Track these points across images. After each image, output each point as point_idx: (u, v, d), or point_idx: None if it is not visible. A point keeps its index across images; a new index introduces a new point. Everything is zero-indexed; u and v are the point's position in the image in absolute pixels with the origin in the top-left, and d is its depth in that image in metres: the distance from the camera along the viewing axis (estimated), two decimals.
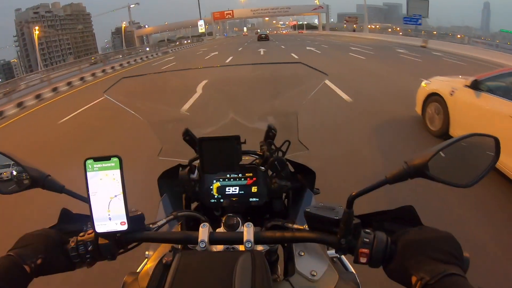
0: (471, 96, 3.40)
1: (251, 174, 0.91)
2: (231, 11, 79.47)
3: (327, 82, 6.06)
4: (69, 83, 11.99)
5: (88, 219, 0.59)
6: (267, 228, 0.80)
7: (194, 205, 0.97)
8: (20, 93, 10.72)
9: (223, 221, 0.76)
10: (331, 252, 0.80)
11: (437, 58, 12.95)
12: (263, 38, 36.63)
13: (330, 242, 0.60)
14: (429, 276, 0.46)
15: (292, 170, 0.98)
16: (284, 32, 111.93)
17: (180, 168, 0.92)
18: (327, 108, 5.61)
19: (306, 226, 0.65)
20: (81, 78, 12.91)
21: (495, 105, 3.03)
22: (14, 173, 0.70)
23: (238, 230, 0.74)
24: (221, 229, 0.76)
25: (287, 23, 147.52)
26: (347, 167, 3.37)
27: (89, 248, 0.61)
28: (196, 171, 0.90)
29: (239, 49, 23.25)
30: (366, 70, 9.95)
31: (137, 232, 0.65)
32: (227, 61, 15.56)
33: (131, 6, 70.35)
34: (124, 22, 53.89)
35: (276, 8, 78.16)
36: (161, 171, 1.00)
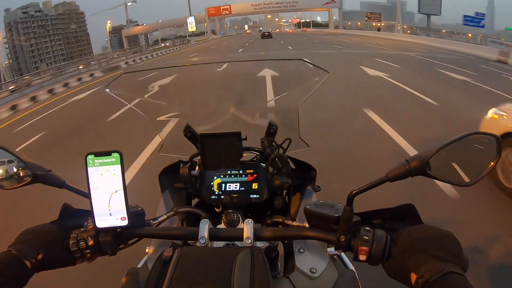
0: None
1: (252, 171, 0.91)
2: (228, 6, 69.11)
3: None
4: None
5: (89, 214, 0.61)
6: (267, 225, 0.82)
7: (194, 201, 0.99)
8: None
9: (223, 217, 0.79)
10: (331, 249, 0.80)
11: None
12: (266, 36, 39.72)
13: (329, 240, 0.62)
14: (429, 274, 0.46)
15: (293, 167, 0.99)
16: (288, 30, 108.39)
17: (181, 164, 0.94)
18: None
19: (306, 224, 0.66)
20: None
21: None
22: (15, 168, 0.72)
23: (238, 226, 0.77)
24: (221, 226, 0.79)
25: (290, 21, 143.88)
26: None
27: (90, 243, 0.63)
28: (197, 167, 0.91)
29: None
30: None
31: (137, 227, 0.67)
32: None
33: (128, 4, 67.22)
34: (109, 21, 49.81)
35: (281, 2, 66.61)
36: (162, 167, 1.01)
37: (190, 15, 68.71)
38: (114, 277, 0.84)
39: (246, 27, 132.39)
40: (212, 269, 0.55)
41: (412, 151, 3.68)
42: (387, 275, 0.56)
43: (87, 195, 0.60)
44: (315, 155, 1.38)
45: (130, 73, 1.11)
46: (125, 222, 0.61)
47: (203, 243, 0.65)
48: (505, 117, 2.82)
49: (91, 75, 14.32)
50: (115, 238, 0.64)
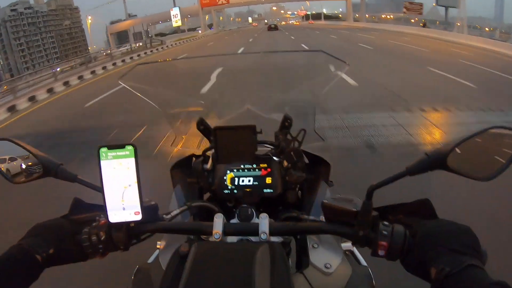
0: None
1: (265, 165, 0.92)
2: None
3: None
4: None
5: (100, 208, 0.62)
6: (281, 220, 0.82)
7: (206, 196, 1.00)
8: None
9: (237, 212, 0.80)
10: (344, 245, 0.84)
11: None
12: (272, 28, 42.74)
13: (347, 234, 0.62)
14: (449, 267, 0.47)
15: (307, 161, 1.00)
16: (295, 22, 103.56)
17: (194, 158, 0.96)
18: None
19: (322, 218, 0.67)
20: None
21: None
22: (26, 162, 0.73)
23: (252, 221, 0.78)
24: (234, 221, 0.79)
25: (295, 13, 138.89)
26: None
27: (102, 238, 0.63)
28: (210, 161, 0.93)
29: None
30: None
31: (150, 222, 0.67)
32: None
33: None
34: (89, 17, 45.22)
35: None
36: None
37: (175, 6, 59.11)
38: (124, 271, 0.88)
39: (250, 19, 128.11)
40: (231, 266, 0.55)
41: None
42: (406, 270, 0.56)
43: (100, 189, 0.60)
44: None
45: (144, 64, 1.15)
46: (138, 217, 0.61)
47: (218, 238, 0.65)
48: None
49: None
50: (128, 233, 0.65)
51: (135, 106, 5.42)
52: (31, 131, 6.25)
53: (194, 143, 0.99)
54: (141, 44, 26.72)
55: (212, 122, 0.96)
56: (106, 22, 68.00)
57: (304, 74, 1.47)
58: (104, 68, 14.88)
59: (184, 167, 1.01)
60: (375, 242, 0.58)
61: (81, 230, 0.65)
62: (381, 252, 0.57)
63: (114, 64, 15.93)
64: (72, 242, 0.63)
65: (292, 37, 25.09)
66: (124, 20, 68.15)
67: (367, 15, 54.64)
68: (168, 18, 66.56)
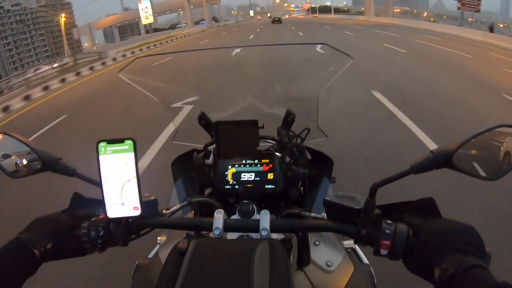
0: None
1: (267, 161, 0.93)
2: None
3: None
4: None
5: (100, 203, 0.62)
6: (282, 216, 0.84)
7: (207, 191, 1.01)
8: None
9: (238, 208, 0.81)
10: (346, 242, 0.84)
11: None
12: (276, 21, 43.54)
13: (350, 232, 0.62)
14: (453, 267, 0.47)
15: (309, 157, 1.01)
16: (300, 16, 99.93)
17: (195, 153, 0.95)
18: None
19: (324, 215, 0.68)
20: None
21: None
22: (25, 156, 0.73)
23: (253, 217, 0.79)
24: (235, 216, 0.80)
25: (300, 6, 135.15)
26: None
27: (101, 233, 0.64)
28: (211, 157, 0.94)
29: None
30: None
31: (150, 217, 0.68)
32: None
33: None
34: (62, 15, 41.25)
35: None
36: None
37: None
38: (124, 265, 0.86)
39: (251, 12, 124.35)
40: (230, 262, 0.56)
41: None
42: (408, 270, 0.57)
43: (99, 184, 0.60)
44: None
45: (144, 57, 1.05)
46: (137, 212, 0.61)
47: (218, 234, 0.66)
48: None
49: None
50: (127, 228, 0.65)
51: None
52: None
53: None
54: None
55: (214, 117, 0.96)
56: (102, 17, 63.10)
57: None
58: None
59: (185, 162, 1.01)
60: (378, 241, 0.57)
61: (80, 225, 0.65)
62: (383, 252, 0.57)
63: None
64: (70, 237, 0.64)
65: (300, 33, 21.75)
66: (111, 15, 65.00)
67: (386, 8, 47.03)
68: (165, 11, 62.48)
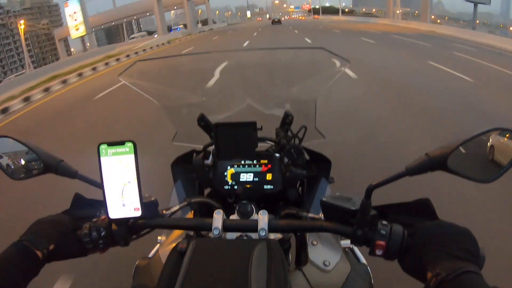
0: None
1: (266, 161, 0.96)
2: None
3: None
4: None
5: (101, 204, 0.65)
6: (281, 217, 0.86)
7: (207, 191, 1.04)
8: None
9: (237, 208, 0.83)
10: (344, 242, 0.86)
11: None
12: (276, 22, 43.90)
13: (346, 233, 0.65)
14: (445, 272, 0.49)
15: (308, 158, 1.04)
16: (301, 17, 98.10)
17: (194, 154, 1.00)
18: None
19: (322, 216, 0.71)
20: None
21: None
22: (26, 158, 0.76)
23: (251, 217, 0.81)
24: (234, 216, 0.83)
25: (300, 7, 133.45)
26: None
27: (102, 234, 0.67)
28: (211, 157, 0.97)
29: None
30: None
31: (150, 218, 0.71)
32: None
33: None
34: (22, 21, 33.96)
35: None
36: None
37: None
38: (126, 264, 0.92)
39: (248, 13, 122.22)
40: (228, 262, 0.58)
41: None
42: (403, 270, 0.59)
43: (100, 186, 0.63)
44: None
45: (145, 60, 1.19)
46: (138, 213, 0.64)
47: (217, 234, 0.69)
48: None
49: None
50: (128, 228, 0.68)
51: None
52: None
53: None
54: None
55: (213, 118, 0.99)
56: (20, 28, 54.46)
57: None
58: None
59: (185, 162, 1.04)
60: (373, 241, 0.60)
61: (81, 226, 0.68)
62: (378, 252, 0.60)
63: None
64: (72, 237, 0.66)
65: (308, 40, 17.53)
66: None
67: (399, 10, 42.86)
68: (122, 18, 48.99)
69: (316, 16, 74.75)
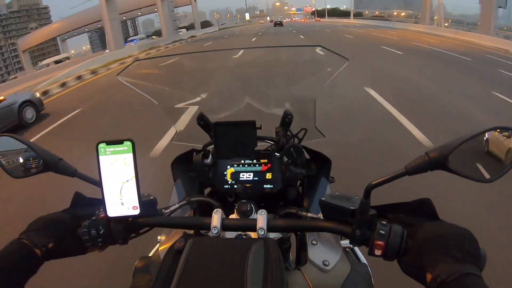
0: None
1: (266, 161, 1.00)
2: None
3: None
4: None
5: (100, 203, 0.68)
6: (280, 216, 0.89)
7: (207, 190, 1.09)
8: None
9: (236, 207, 0.86)
10: (344, 242, 0.87)
11: None
12: (278, 24, 46.16)
13: (344, 233, 0.67)
14: (445, 274, 0.50)
15: (308, 157, 1.08)
16: (303, 20, 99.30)
17: (194, 153, 1.02)
18: None
19: (321, 215, 0.73)
20: None
21: None
22: (26, 157, 0.79)
23: (251, 217, 0.85)
24: (234, 216, 0.86)
25: (302, 9, 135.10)
26: None
27: (101, 232, 0.70)
28: (210, 156, 1.01)
29: None
30: None
31: (149, 216, 0.74)
32: None
33: None
34: None
35: None
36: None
37: None
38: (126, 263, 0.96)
39: (247, 16, 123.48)
40: (225, 261, 0.60)
41: None
42: (402, 271, 0.60)
43: (99, 184, 0.66)
44: None
45: (143, 60, 1.26)
46: (136, 211, 0.67)
47: (216, 233, 0.72)
48: None
49: None
50: (127, 227, 0.71)
51: None
52: None
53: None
54: None
55: (213, 118, 1.02)
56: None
57: None
58: None
59: (185, 161, 1.08)
60: (372, 241, 0.61)
61: (81, 224, 0.70)
62: (377, 252, 0.61)
63: None
64: (71, 235, 0.69)
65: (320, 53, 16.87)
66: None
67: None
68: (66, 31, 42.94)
69: (318, 19, 75.63)
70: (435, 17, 33.35)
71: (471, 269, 0.50)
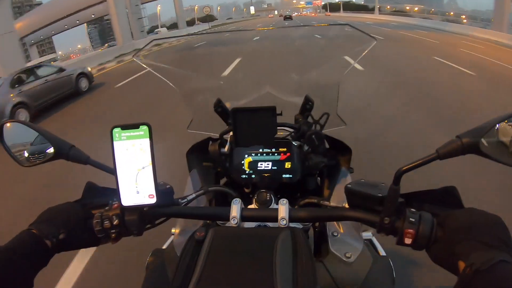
0: None
1: (285, 149, 1.00)
2: None
3: None
4: None
5: (114, 192, 0.68)
6: (300, 206, 0.91)
7: (223, 181, 1.11)
8: None
9: (255, 197, 0.90)
10: (364, 234, 0.91)
11: None
12: (287, 17, 47.95)
13: (372, 221, 0.66)
14: (479, 262, 0.50)
15: (328, 146, 1.08)
16: (313, 14, 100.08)
17: (210, 142, 1.04)
18: None
19: (344, 205, 0.73)
20: None
21: None
22: (37, 144, 0.79)
23: (271, 207, 0.87)
24: (252, 206, 0.89)
25: (312, 2, 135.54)
26: None
27: (115, 223, 0.69)
28: (227, 145, 1.02)
29: None
30: None
31: (165, 206, 0.74)
32: None
33: None
34: None
35: None
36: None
37: None
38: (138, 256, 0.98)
39: (252, 9, 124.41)
40: (251, 250, 0.61)
41: None
42: (432, 260, 0.61)
43: (113, 171, 0.66)
44: None
45: (161, 39, 1.32)
46: (153, 200, 0.66)
47: (235, 223, 0.72)
48: None
49: None
50: (142, 217, 0.70)
51: None
52: None
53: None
54: None
55: (230, 105, 1.03)
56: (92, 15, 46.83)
57: None
58: None
59: (201, 150, 1.09)
60: (401, 230, 0.61)
61: (93, 215, 0.71)
62: (407, 241, 0.60)
63: None
64: (83, 227, 0.69)
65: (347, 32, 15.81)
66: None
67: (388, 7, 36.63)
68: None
69: (327, 14, 77.46)
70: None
71: (505, 257, 0.51)
